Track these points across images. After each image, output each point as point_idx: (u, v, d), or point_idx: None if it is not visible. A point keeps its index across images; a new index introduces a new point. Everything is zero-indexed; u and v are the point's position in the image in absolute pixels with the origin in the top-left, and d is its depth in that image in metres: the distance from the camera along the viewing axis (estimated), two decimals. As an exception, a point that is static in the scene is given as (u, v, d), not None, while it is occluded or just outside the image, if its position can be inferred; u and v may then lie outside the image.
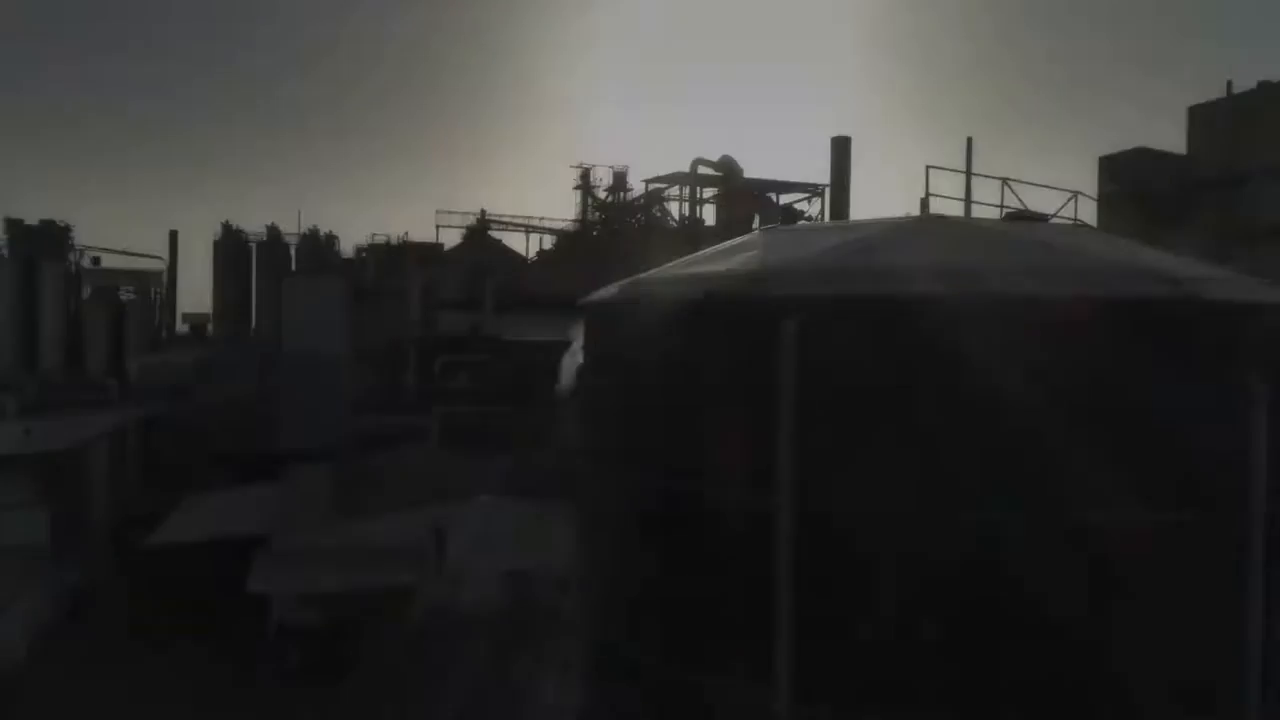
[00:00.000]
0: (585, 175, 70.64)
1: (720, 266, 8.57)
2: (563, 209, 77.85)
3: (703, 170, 42.47)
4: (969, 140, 27.67)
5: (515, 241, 73.70)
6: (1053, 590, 6.81)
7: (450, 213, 72.03)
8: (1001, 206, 28.38)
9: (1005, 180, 27.26)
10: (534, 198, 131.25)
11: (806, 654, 7.05)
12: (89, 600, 26.77)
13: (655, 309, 8.29)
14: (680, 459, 7.74)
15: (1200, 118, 38.37)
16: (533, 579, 25.91)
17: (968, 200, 26.95)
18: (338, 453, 34.38)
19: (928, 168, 23.87)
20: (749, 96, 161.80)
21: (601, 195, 69.73)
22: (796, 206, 45.05)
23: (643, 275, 9.31)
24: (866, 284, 7.27)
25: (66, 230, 50.86)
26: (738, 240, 9.90)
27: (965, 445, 6.88)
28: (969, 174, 26.66)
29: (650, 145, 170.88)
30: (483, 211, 71.55)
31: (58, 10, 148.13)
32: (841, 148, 33.15)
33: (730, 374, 7.68)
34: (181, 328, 54.38)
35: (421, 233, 67.15)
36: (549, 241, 75.03)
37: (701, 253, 9.98)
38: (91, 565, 28.69)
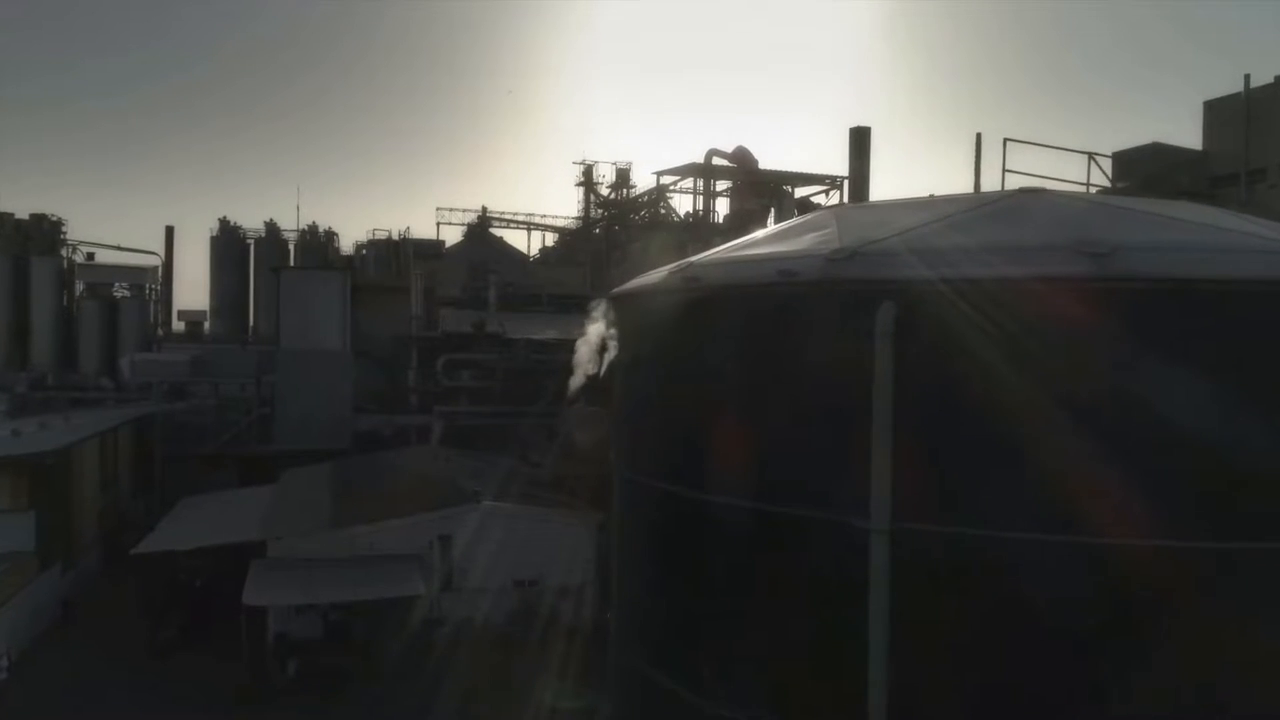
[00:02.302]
0: (588, 172, 69.58)
1: (790, 246, 7.45)
2: (565, 206, 76.92)
3: (717, 161, 41.29)
4: (985, 140, 26.46)
5: (516, 239, 72.76)
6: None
7: (451, 210, 71.09)
8: (1088, 185, 27.04)
9: (1091, 155, 25.84)
10: (536, 195, 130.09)
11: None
12: (78, 608, 25.66)
13: (718, 295, 7.16)
14: (755, 473, 6.61)
15: (1216, 112, 37.45)
16: (540, 588, 24.96)
17: (992, 175, 25.62)
18: (337, 453, 33.50)
19: (1005, 140, 22.59)
20: (748, 97, 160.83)
21: (604, 192, 68.68)
22: (814, 199, 43.84)
23: (694, 259, 8.18)
24: (984, 264, 6.14)
25: (58, 225, 49.77)
26: (800, 220, 8.79)
27: (1134, 465, 5.79)
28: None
29: (650, 144, 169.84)
30: (484, 209, 70.60)
31: (53, 3, 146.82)
32: (861, 139, 31.98)
33: (814, 368, 6.56)
34: (177, 326, 53.44)
35: (421, 230, 66.09)
36: (551, 239, 74.15)
37: (758, 234, 8.86)
38: (81, 571, 27.64)
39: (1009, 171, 20.21)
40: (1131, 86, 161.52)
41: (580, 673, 20.82)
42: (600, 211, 68.19)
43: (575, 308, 46.92)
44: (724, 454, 6.62)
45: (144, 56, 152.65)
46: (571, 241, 70.81)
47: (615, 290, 8.99)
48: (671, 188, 44.94)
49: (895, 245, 6.81)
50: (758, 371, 6.78)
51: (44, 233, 48.53)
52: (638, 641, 8.43)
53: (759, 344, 6.82)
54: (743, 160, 41.50)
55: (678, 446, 7.31)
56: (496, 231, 71.42)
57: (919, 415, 6.16)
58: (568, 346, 37.04)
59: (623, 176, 68.65)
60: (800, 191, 43.66)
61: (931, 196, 8.91)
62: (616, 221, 61.42)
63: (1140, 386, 5.81)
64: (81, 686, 21.01)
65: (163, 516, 27.56)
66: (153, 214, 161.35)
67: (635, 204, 63.68)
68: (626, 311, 8.93)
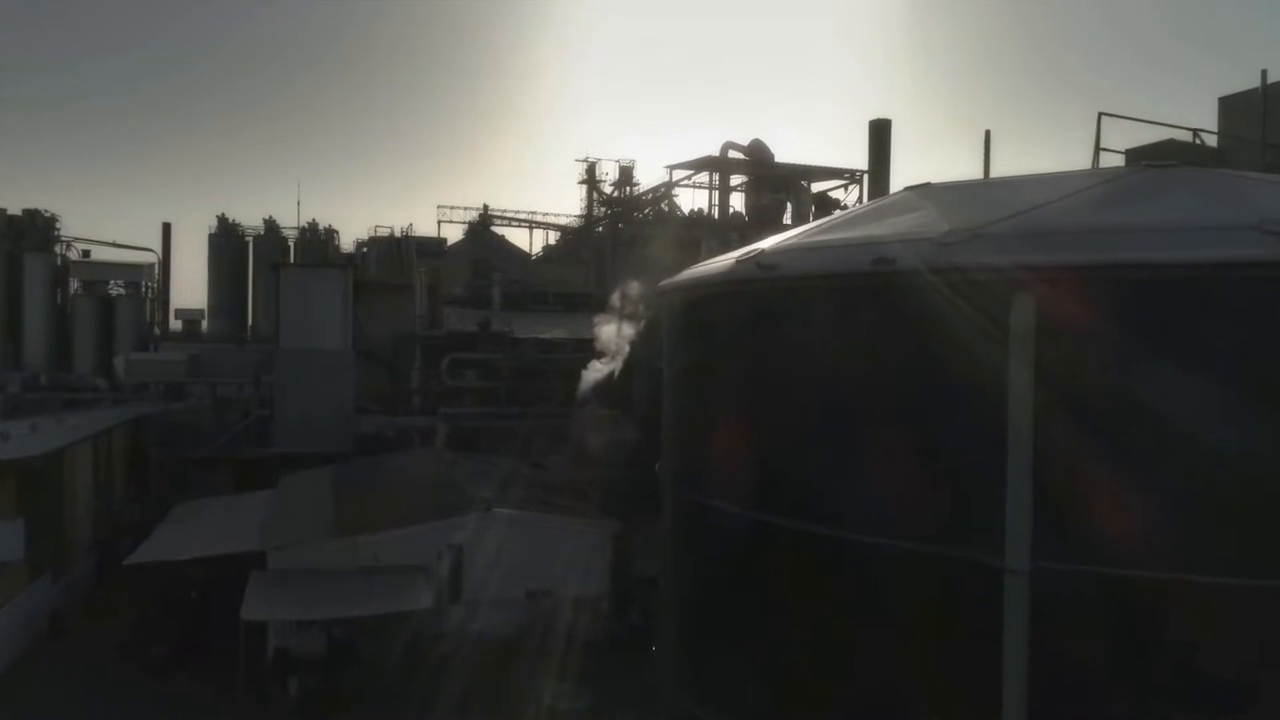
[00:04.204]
0: (591, 169, 68.74)
1: (878, 230, 6.35)
2: (566, 204, 75.78)
3: (733, 155, 40.05)
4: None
5: (517, 237, 71.85)
6: None
7: (452, 208, 70.17)
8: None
9: (1195, 131, 24.56)
10: (537, 193, 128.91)
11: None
12: (70, 619, 24.55)
13: (801, 287, 6.04)
14: (860, 499, 5.49)
15: (1232, 108, 36.60)
16: (553, 599, 23.84)
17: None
18: (338, 457, 32.42)
19: (1100, 114, 21.36)
20: (748, 98, 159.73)
21: (608, 190, 67.78)
22: (831, 194, 42.66)
23: (761, 246, 7.07)
24: (1145, 247, 5.02)
25: (52, 221, 48.71)
26: (875, 204, 7.66)
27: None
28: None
29: (650, 144, 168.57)
30: (485, 207, 69.67)
31: (52, 1, 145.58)
32: (881, 131, 30.87)
33: (918, 376, 5.46)
34: (174, 324, 52.50)
35: (422, 228, 65.10)
36: (553, 237, 73.22)
37: (827, 220, 7.74)
38: (72, 580, 26.54)
39: (1104, 150, 18.90)
40: (1131, 86, 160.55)
41: (580, 675, 20.15)
42: (603, 210, 67.36)
43: (581, 306, 46.28)
44: (830, 477, 5.52)
45: (143, 54, 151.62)
46: (574, 240, 69.93)
47: (664, 283, 7.87)
48: (684, 182, 43.78)
49: (1019, 227, 5.71)
50: (851, 378, 5.69)
51: (37, 229, 47.40)
52: (704, 686, 7.29)
53: (856, 345, 5.71)
54: (758, 154, 40.36)
55: (767, 467, 6.19)
56: (498, 230, 70.72)
57: (1062, 434, 5.06)
58: (576, 346, 36.31)
59: (626, 174, 67.86)
60: (817, 186, 42.54)
61: (1024, 175, 7.82)
62: (620, 219, 60.45)
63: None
64: (68, 707, 19.92)
65: (157, 521, 26.55)
66: (150, 211, 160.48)
67: (639, 201, 62.77)
68: (679, 307, 7.82)
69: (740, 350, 6.46)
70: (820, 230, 7.18)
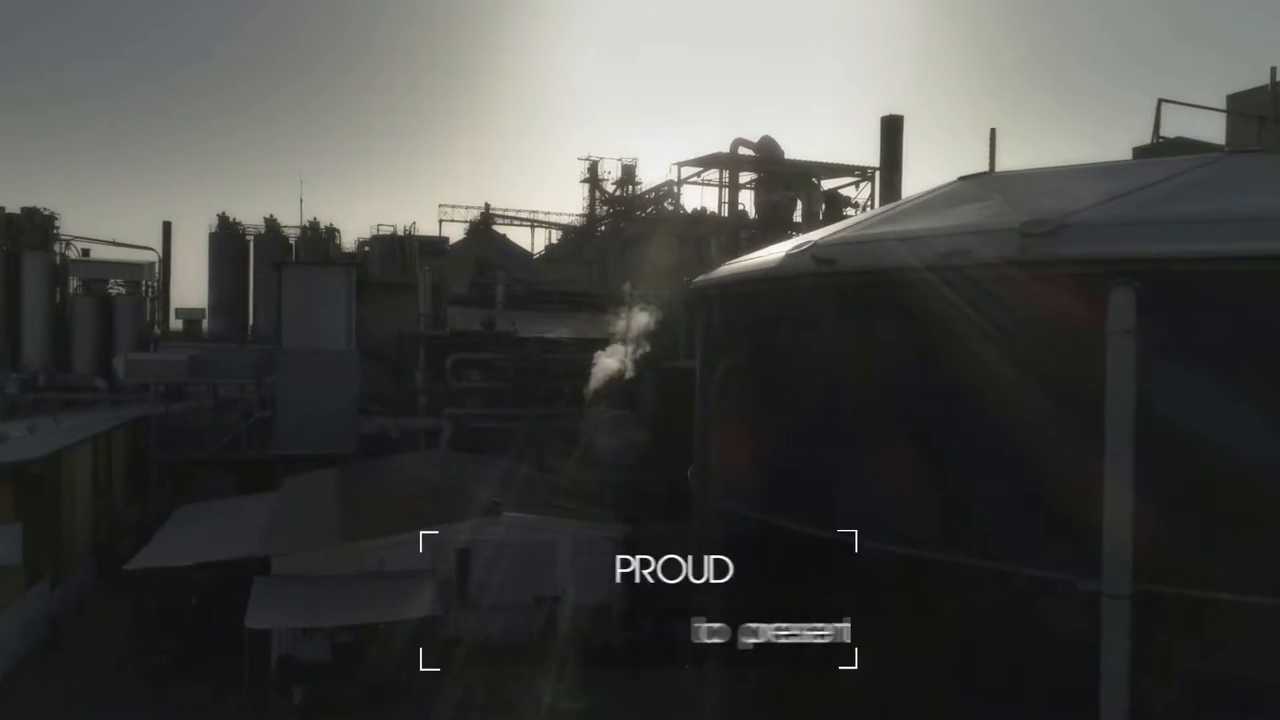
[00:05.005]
0: (593, 168, 68.33)
1: (940, 222, 5.83)
2: (567, 203, 75.24)
3: (742, 152, 39.51)
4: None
5: (518, 236, 71.40)
6: None
7: (453, 207, 69.60)
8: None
9: (1262, 119, 24.00)
10: (538, 192, 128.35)
11: None
12: (68, 625, 24.02)
13: (869, 282, 5.52)
14: (944, 517, 4.98)
15: (1240, 107, 36.24)
16: (564, 605, 23.35)
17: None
18: (341, 458, 31.92)
19: (1160, 101, 20.90)
20: (748, 96, 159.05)
21: (610, 189, 67.41)
22: (842, 191, 42.12)
23: (814, 238, 6.55)
24: (1258, 237, 4.51)
25: (51, 219, 48.02)
26: (929, 195, 7.15)
27: None
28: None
29: (652, 142, 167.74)
30: (486, 206, 69.22)
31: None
32: (892, 128, 30.38)
33: (1002, 376, 4.94)
34: (175, 324, 52.02)
35: (423, 227, 64.62)
36: (555, 236, 72.78)
37: (878, 212, 7.22)
38: (71, 586, 26.02)
39: (1162, 138, 18.51)
40: (1131, 85, 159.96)
41: (584, 678, 19.72)
42: (605, 209, 67.00)
43: (586, 305, 45.82)
44: (910, 489, 5.02)
45: (144, 52, 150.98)
46: (576, 239, 69.54)
47: (700, 279, 7.35)
48: (692, 179, 43.28)
49: (1105, 216, 5.18)
50: (933, 382, 5.17)
51: (36, 227, 46.76)
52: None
53: (933, 345, 5.19)
54: (768, 151, 39.86)
55: (829, 480, 5.68)
56: (499, 229, 70.30)
57: (1169, 441, 4.55)
58: (581, 345, 35.81)
59: (628, 173, 67.50)
60: (827, 183, 42.04)
61: (1083, 164, 7.30)
62: (623, 219, 60.08)
63: None
64: (67, 716, 19.40)
65: (158, 525, 26.03)
66: (150, 210, 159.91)
67: (641, 200, 62.34)
68: (718, 304, 7.30)
69: (798, 350, 5.95)
70: (874, 223, 6.66)
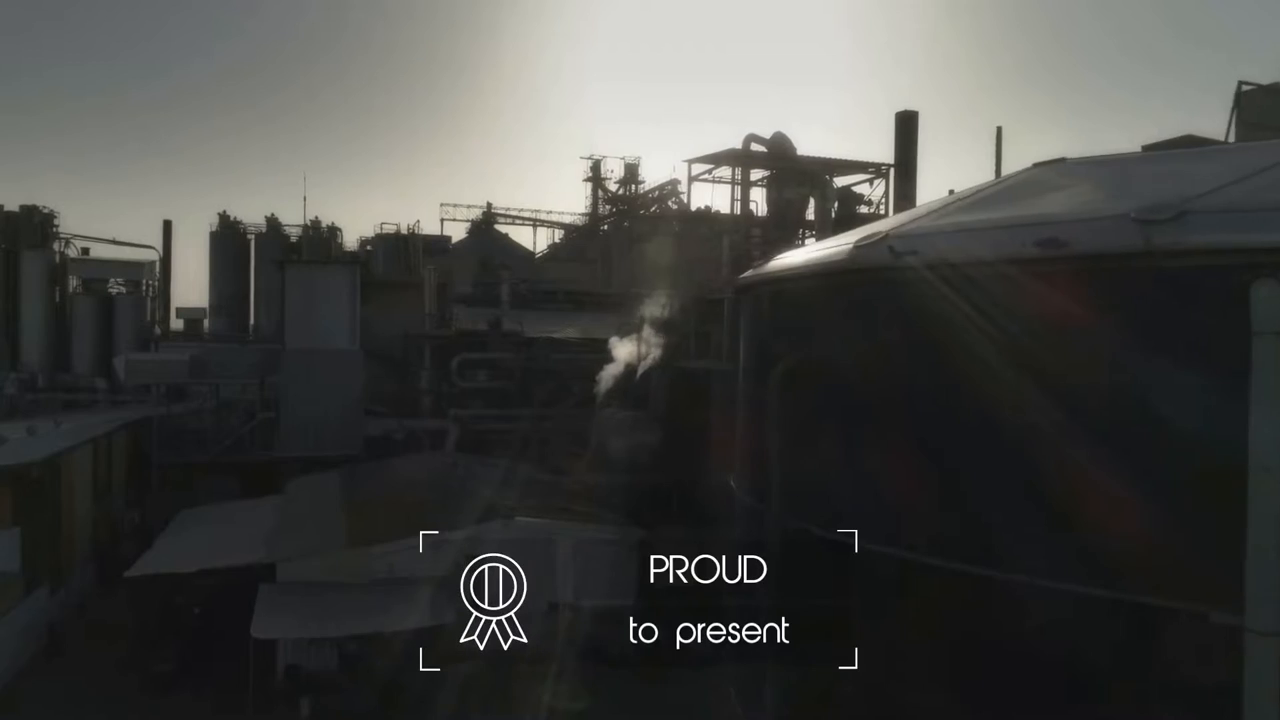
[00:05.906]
0: (596, 167, 67.98)
1: (1024, 210, 5.25)
2: (569, 202, 74.82)
3: (755, 148, 39.00)
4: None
5: (520, 236, 70.96)
6: None
7: (455, 206, 69.06)
8: None
9: None
10: (540, 192, 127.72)
11: None
12: (68, 633, 23.46)
13: (957, 275, 4.93)
14: (1050, 538, 4.41)
15: (1249, 103, 35.84)
16: (578, 611, 22.80)
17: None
18: (346, 460, 31.35)
19: (1240, 83, 20.26)
20: (750, 94, 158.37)
21: (613, 188, 67.08)
22: (856, 189, 41.65)
23: (882, 228, 5.96)
24: None
25: (50, 218, 47.58)
26: (1003, 183, 6.55)
27: None
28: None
29: (652, 141, 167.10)
30: (489, 205, 68.80)
31: None
32: (907, 124, 29.88)
33: (1125, 383, 4.36)
34: (175, 324, 51.61)
35: (425, 226, 64.11)
36: (557, 235, 72.36)
37: (949, 201, 6.65)
38: (71, 592, 25.46)
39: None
40: (1130, 85, 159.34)
41: (586, 681, 19.43)
42: (608, 208, 66.65)
43: (592, 305, 45.34)
44: (1010, 518, 4.45)
45: (144, 51, 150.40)
46: (579, 238, 69.14)
47: (745, 275, 6.77)
48: (703, 176, 42.77)
49: (1230, 203, 4.59)
50: (1039, 384, 4.59)
51: (35, 225, 46.27)
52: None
53: (1038, 344, 4.61)
54: (780, 148, 39.36)
55: (897, 492, 5.13)
56: (501, 228, 69.93)
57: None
58: (589, 345, 35.26)
59: (631, 172, 67.16)
60: (840, 180, 41.54)
61: (1166, 150, 6.70)
62: (626, 218, 59.70)
63: None
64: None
65: (159, 528, 25.49)
66: (150, 208, 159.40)
67: (645, 199, 61.94)
68: (767, 301, 6.72)
69: (868, 351, 5.37)
70: (949, 212, 6.07)
